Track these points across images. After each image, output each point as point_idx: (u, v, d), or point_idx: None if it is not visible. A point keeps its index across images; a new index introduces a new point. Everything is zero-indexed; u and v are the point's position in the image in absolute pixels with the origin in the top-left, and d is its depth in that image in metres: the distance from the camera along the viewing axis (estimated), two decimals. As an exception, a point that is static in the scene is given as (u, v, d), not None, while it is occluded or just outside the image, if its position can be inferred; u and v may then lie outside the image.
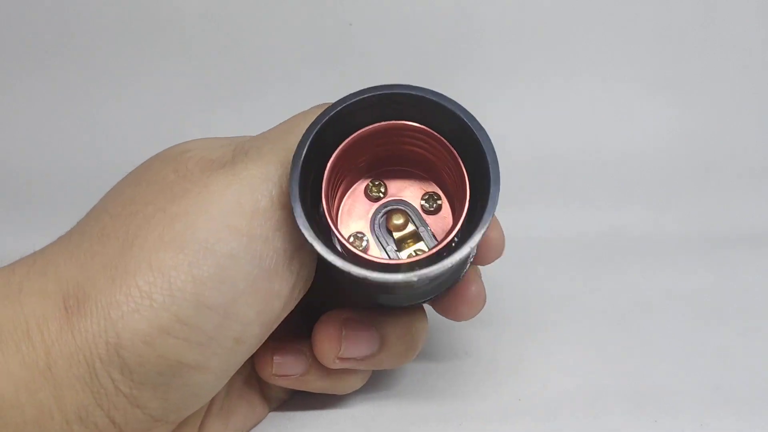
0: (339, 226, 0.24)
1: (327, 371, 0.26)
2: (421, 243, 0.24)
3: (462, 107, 0.23)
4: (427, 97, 0.23)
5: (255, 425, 0.27)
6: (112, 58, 0.49)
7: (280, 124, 0.24)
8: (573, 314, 0.35)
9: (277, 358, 0.26)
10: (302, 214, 0.21)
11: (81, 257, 0.21)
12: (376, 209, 0.25)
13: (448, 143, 0.23)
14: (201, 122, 0.49)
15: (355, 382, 0.27)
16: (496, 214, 0.22)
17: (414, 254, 0.24)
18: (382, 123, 0.23)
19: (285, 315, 0.23)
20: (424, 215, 0.25)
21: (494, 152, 0.22)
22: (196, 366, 0.21)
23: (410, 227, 0.24)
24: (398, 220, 0.24)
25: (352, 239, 0.24)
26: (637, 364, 0.31)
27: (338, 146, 0.23)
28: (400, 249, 0.24)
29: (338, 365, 0.25)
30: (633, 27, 0.49)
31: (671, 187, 0.47)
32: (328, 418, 0.28)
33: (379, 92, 0.23)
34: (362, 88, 0.23)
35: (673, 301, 0.36)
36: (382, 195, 0.25)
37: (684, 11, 0.49)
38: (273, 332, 0.24)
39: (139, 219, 0.21)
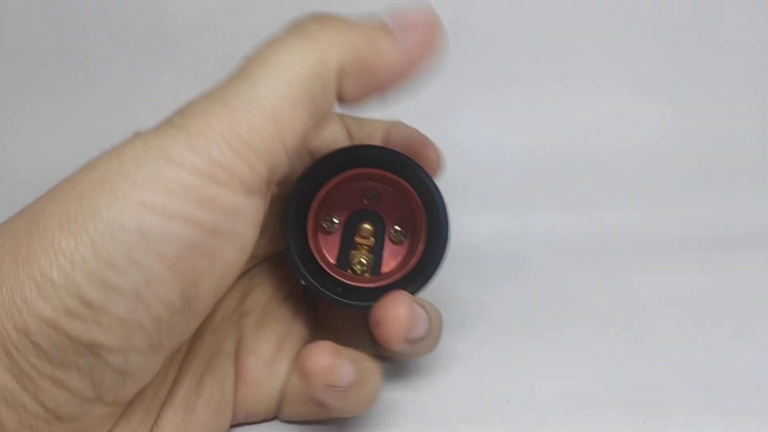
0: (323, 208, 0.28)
1: (363, 384, 0.25)
2: (367, 257, 0.29)
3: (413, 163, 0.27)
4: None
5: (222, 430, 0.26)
6: (110, 66, 0.50)
7: (218, 86, 0.22)
8: (562, 316, 0.35)
9: (337, 365, 0.24)
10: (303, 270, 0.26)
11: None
12: (359, 210, 0.29)
13: (411, 189, 0.27)
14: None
15: (377, 392, 0.26)
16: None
17: (356, 268, 0.29)
18: (356, 170, 0.27)
19: (222, 292, 0.21)
20: (388, 240, 0.29)
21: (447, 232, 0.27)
22: (116, 348, 0.19)
23: (371, 241, 0.29)
24: (367, 229, 0.29)
25: (328, 219, 0.29)
26: (626, 366, 0.31)
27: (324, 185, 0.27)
28: (354, 248, 0.29)
29: (402, 347, 0.25)
30: (628, 28, 0.49)
31: (666, 188, 0.47)
32: (313, 425, 0.27)
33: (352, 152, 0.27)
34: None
35: (665, 302, 0.36)
36: (371, 203, 0.29)
37: (680, 12, 0.49)
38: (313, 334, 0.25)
39: (50, 195, 0.20)
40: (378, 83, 0.23)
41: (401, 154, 0.27)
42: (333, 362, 0.24)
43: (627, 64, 0.49)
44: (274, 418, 0.27)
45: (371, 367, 0.25)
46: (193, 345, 0.25)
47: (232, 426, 0.26)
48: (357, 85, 0.22)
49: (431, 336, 0.26)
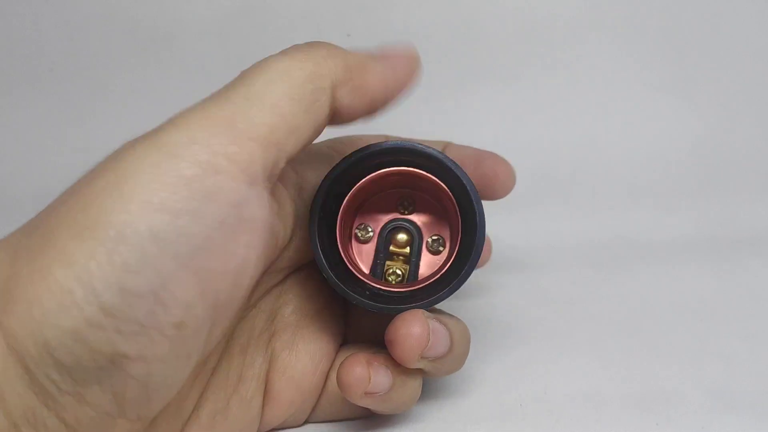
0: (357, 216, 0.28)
1: (404, 384, 0.25)
2: (403, 268, 0.28)
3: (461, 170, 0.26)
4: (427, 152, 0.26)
5: None
6: (120, 69, 0.50)
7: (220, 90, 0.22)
8: (575, 318, 0.35)
9: (374, 374, 0.24)
10: (324, 262, 0.25)
11: (9, 252, 0.20)
12: (395, 218, 0.28)
13: (449, 194, 0.26)
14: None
15: (417, 389, 0.26)
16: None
17: (390, 279, 0.28)
18: (393, 169, 0.26)
19: (241, 295, 0.21)
20: (425, 250, 0.28)
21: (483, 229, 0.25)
22: (138, 357, 0.19)
23: (407, 250, 0.28)
24: (402, 239, 0.28)
25: (362, 228, 0.28)
26: (639, 368, 0.31)
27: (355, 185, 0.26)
28: (389, 258, 0.28)
29: (418, 365, 0.24)
30: (639, 32, 0.49)
31: (675, 191, 0.47)
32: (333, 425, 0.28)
33: (391, 146, 0.25)
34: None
35: (676, 305, 0.36)
36: (407, 212, 0.28)
37: (691, 16, 0.49)
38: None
39: (56, 206, 0.20)
40: (368, 98, 0.24)
41: (435, 153, 0.26)
42: (368, 372, 0.24)
43: (637, 67, 0.50)
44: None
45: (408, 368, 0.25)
46: (220, 364, 0.25)
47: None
48: (349, 98, 0.23)
49: (453, 353, 0.25)
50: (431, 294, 0.25)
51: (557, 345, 0.33)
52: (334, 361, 0.27)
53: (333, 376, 0.27)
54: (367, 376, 0.24)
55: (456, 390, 0.30)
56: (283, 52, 0.23)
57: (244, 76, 0.22)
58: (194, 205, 0.19)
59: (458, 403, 0.29)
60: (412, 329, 0.24)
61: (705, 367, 0.30)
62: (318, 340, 0.27)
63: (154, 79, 0.50)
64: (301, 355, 0.27)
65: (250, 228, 0.21)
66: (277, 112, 0.21)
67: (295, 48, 0.23)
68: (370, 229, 0.28)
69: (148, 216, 0.19)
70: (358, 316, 0.28)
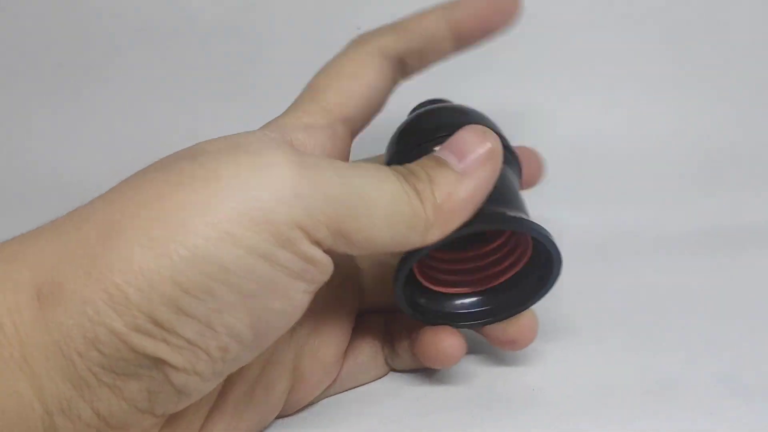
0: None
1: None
2: None
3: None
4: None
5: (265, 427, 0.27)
6: (130, 66, 0.50)
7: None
8: (584, 310, 0.35)
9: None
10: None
11: (58, 244, 0.19)
12: None
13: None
14: (211, 129, 0.50)
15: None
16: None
17: None
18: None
19: (287, 328, 0.22)
20: None
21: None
22: (180, 368, 0.20)
23: None
24: None
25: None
26: (647, 358, 0.31)
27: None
28: None
29: None
30: (640, 25, 0.49)
31: (679, 185, 0.47)
32: (351, 416, 0.28)
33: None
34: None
35: (682, 297, 0.36)
36: None
37: (690, 13, 0.49)
38: None
39: (131, 205, 0.19)
40: None
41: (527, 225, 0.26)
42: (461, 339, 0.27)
43: (641, 62, 0.50)
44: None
45: None
46: None
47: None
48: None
49: None
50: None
51: (559, 338, 0.33)
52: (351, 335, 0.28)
53: (350, 351, 0.28)
54: (460, 350, 0.27)
55: (457, 383, 0.30)
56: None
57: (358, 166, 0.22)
58: (270, 249, 0.19)
59: (468, 392, 0.29)
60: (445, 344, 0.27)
61: (712, 356, 0.31)
62: (339, 319, 0.28)
63: (159, 74, 0.50)
64: (325, 336, 0.27)
65: (317, 280, 0.21)
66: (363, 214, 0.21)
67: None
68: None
69: (224, 247, 0.19)
70: (372, 285, 0.30)
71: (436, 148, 0.25)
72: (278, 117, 0.25)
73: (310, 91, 0.26)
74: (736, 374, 0.29)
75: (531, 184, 0.33)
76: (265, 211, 0.19)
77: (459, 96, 0.50)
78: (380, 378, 0.30)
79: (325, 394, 0.29)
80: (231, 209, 0.19)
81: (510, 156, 0.28)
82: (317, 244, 0.20)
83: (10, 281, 0.19)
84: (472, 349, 0.31)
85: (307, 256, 0.20)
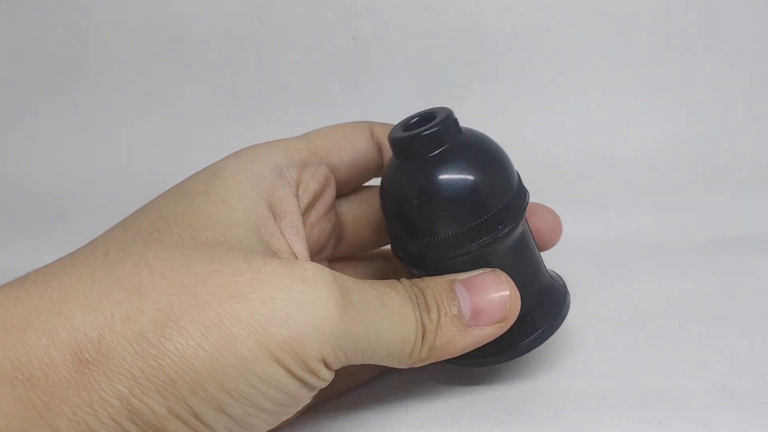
0: None
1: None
2: None
3: None
4: None
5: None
6: (128, 74, 0.51)
7: None
8: (577, 317, 0.35)
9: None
10: None
11: (107, 311, 0.20)
12: None
13: None
14: (214, 139, 0.50)
15: None
16: None
17: None
18: None
19: None
20: None
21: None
22: None
23: None
24: None
25: None
26: (641, 366, 0.31)
27: None
28: None
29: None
30: (639, 34, 0.50)
31: (677, 192, 0.48)
32: (339, 422, 0.28)
33: None
34: None
35: (678, 304, 0.36)
36: None
37: (689, 20, 0.49)
38: None
39: (187, 297, 0.21)
40: None
41: None
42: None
43: (638, 70, 0.50)
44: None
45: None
46: None
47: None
48: None
49: None
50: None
51: (561, 343, 0.33)
52: None
53: None
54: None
55: (461, 387, 0.30)
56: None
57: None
58: (301, 373, 0.22)
59: (463, 400, 0.29)
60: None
61: (708, 365, 0.31)
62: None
63: (160, 83, 0.50)
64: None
65: (318, 389, 0.23)
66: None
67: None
68: None
69: (268, 364, 0.21)
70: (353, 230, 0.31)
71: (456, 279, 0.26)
72: (265, 147, 0.27)
73: (304, 135, 0.29)
74: (730, 383, 0.29)
75: (548, 245, 0.34)
76: (305, 345, 0.21)
77: (459, 98, 0.51)
78: (371, 380, 0.31)
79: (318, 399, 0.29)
80: (279, 334, 0.21)
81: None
82: (330, 369, 0.23)
83: (49, 339, 0.20)
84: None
85: (324, 378, 0.23)
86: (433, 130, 0.26)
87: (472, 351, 0.26)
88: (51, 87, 0.51)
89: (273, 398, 0.21)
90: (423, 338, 0.25)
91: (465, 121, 0.50)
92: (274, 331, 0.21)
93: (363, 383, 0.31)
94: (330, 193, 0.28)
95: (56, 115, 0.51)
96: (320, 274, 0.22)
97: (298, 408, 0.23)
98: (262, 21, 0.49)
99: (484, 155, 0.27)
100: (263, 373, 0.21)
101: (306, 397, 0.23)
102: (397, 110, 0.50)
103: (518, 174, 0.29)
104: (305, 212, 0.27)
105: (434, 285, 0.26)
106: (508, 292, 0.26)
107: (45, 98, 0.51)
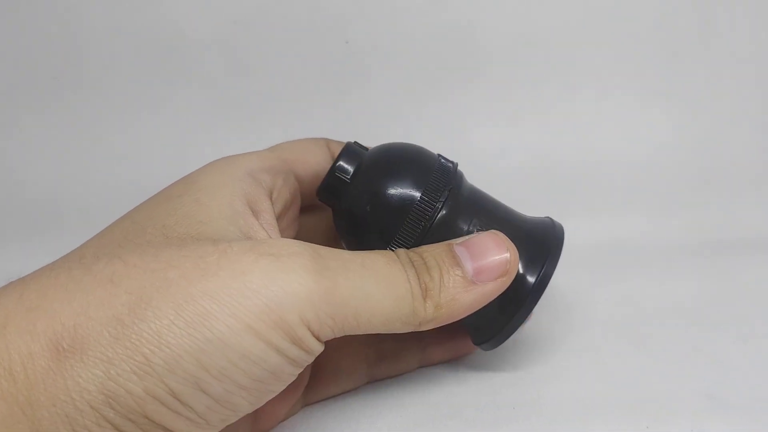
0: None
1: None
2: None
3: None
4: None
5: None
6: (123, 80, 0.51)
7: None
8: (568, 322, 0.35)
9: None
10: None
11: (82, 299, 0.21)
12: None
13: None
14: (209, 144, 0.50)
15: None
16: None
17: None
18: None
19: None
20: None
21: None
22: None
23: None
24: None
25: None
26: (630, 371, 0.31)
27: None
28: None
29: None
30: (633, 38, 0.50)
31: (670, 195, 0.48)
32: (327, 426, 0.29)
33: None
34: None
35: (669, 308, 0.36)
36: None
37: (684, 22, 0.49)
38: None
39: (158, 280, 0.21)
40: None
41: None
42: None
43: (632, 73, 0.50)
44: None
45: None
46: None
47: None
48: None
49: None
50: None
51: (551, 348, 0.33)
52: None
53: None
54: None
55: (450, 391, 0.30)
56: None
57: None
58: (283, 344, 0.21)
59: (452, 405, 0.29)
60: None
61: (697, 370, 0.31)
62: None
63: (156, 89, 0.51)
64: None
65: (305, 364, 0.23)
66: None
67: None
68: None
69: (246, 338, 0.21)
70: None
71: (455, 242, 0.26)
72: (239, 156, 0.27)
73: (272, 147, 0.30)
74: (723, 390, 0.29)
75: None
76: (282, 312, 0.21)
77: (454, 103, 0.51)
78: (358, 387, 0.31)
79: (303, 401, 0.30)
80: (254, 305, 0.21)
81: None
82: (318, 338, 0.22)
83: (27, 333, 0.20)
84: (452, 366, 0.32)
85: (310, 349, 0.22)
86: (339, 162, 0.28)
87: (493, 323, 0.27)
88: (46, 92, 0.51)
89: (252, 374, 0.21)
90: (426, 296, 0.24)
91: (459, 125, 0.51)
92: (249, 303, 0.21)
93: (352, 389, 0.31)
94: (298, 202, 0.29)
95: (51, 120, 0.51)
96: (288, 245, 0.22)
97: (281, 387, 0.23)
98: (256, 27, 0.49)
99: (390, 146, 0.29)
100: (240, 347, 0.21)
101: (289, 374, 0.22)
102: (390, 114, 0.51)
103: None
104: (278, 219, 0.27)
105: (433, 248, 0.26)
106: (506, 247, 0.26)
107: (39, 103, 0.51)
